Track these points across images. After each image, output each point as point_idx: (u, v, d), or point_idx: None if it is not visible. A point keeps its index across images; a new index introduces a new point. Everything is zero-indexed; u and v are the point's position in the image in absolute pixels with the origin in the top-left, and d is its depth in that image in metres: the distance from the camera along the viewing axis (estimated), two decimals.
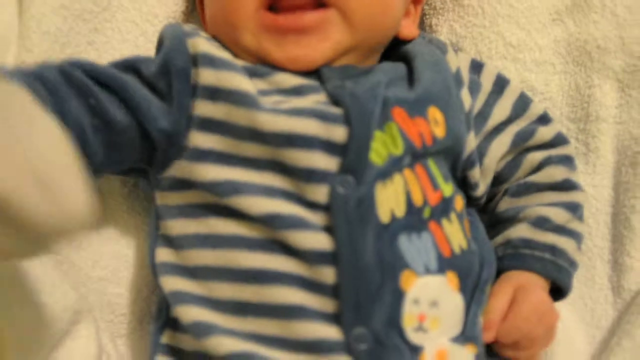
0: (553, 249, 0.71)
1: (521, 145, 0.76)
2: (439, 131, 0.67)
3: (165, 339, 0.66)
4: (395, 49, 0.75)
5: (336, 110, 0.63)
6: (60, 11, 0.73)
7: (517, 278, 0.70)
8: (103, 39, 0.76)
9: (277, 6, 0.66)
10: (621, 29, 0.77)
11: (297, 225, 0.60)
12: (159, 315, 0.67)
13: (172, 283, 0.63)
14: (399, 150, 0.64)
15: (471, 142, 0.71)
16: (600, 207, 0.80)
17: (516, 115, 0.76)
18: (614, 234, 0.79)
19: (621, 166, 0.79)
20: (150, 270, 0.66)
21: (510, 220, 0.74)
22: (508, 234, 0.73)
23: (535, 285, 0.70)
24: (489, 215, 0.77)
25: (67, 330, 0.65)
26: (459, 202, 0.69)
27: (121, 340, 0.73)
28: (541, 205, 0.73)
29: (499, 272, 0.72)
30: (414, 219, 0.64)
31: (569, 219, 0.73)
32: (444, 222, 0.66)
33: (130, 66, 0.65)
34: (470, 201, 0.74)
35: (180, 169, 0.64)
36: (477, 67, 0.77)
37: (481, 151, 0.74)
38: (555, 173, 0.75)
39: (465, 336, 0.64)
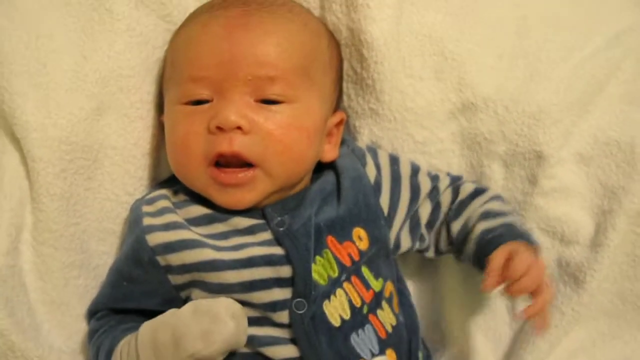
0: (505, 225, 0.93)
1: (435, 193, 0.99)
2: (363, 245, 0.90)
3: None
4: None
5: (280, 251, 0.86)
6: (62, 174, 0.91)
7: (502, 248, 0.88)
8: (96, 183, 0.95)
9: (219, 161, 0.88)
10: (501, 125, 0.99)
11: (271, 343, 0.84)
12: None
13: None
14: (335, 272, 0.87)
15: (393, 235, 0.94)
16: None
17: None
18: None
19: None
20: None
21: (468, 232, 0.95)
22: (473, 239, 0.94)
23: (518, 247, 0.88)
24: (451, 246, 0.98)
25: None
26: (388, 288, 0.92)
27: None
28: (477, 208, 0.96)
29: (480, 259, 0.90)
30: (358, 317, 0.87)
31: (502, 205, 0.98)
32: (378, 311, 0.90)
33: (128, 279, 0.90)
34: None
35: None
36: (394, 160, 0.99)
37: (416, 220, 0.98)
38: (467, 188, 1.00)
39: None
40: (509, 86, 0.99)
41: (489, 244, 0.91)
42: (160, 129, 0.98)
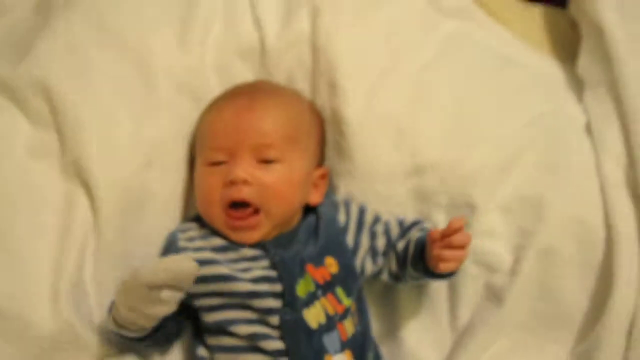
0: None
1: (388, 230, 1.30)
2: (334, 269, 1.22)
3: None
4: (311, 207, 1.30)
5: (274, 274, 1.18)
6: (118, 211, 1.24)
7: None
8: (143, 219, 1.28)
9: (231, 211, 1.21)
10: (444, 184, 1.32)
11: (265, 338, 1.15)
12: None
13: None
14: (312, 288, 1.19)
15: (358, 264, 1.26)
16: None
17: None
18: (450, 293, 1.35)
19: None
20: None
21: (408, 243, 1.24)
22: (412, 245, 1.23)
23: None
24: (397, 263, 1.26)
25: None
26: (354, 306, 1.24)
27: None
28: (417, 228, 1.28)
29: (417, 258, 1.21)
30: (330, 323, 1.19)
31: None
32: (345, 321, 1.21)
33: None
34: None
35: (203, 317, 1.20)
36: (362, 211, 1.32)
37: (374, 251, 1.29)
38: (408, 220, 1.31)
39: None
40: (449, 154, 1.31)
41: (423, 238, 1.21)
42: (190, 181, 1.32)
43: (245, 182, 1.19)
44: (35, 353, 1.15)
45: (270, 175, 1.21)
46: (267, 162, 1.22)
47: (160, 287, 1.06)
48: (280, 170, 1.22)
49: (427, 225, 1.31)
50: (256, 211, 1.21)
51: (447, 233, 1.15)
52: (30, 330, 1.15)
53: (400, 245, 1.28)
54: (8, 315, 1.15)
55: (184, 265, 1.06)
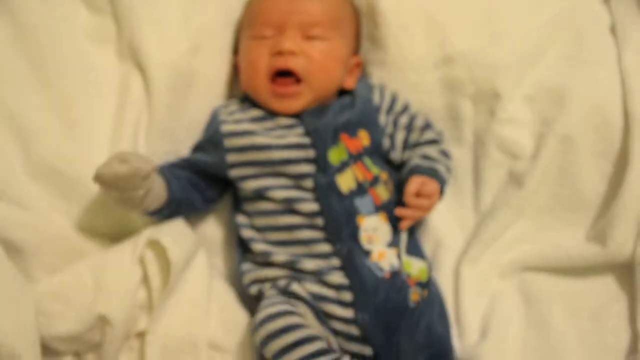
0: (431, 169, 1.29)
1: (410, 129, 1.39)
2: (365, 142, 1.32)
3: (245, 264, 1.33)
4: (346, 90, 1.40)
5: (308, 140, 1.29)
6: (169, 90, 1.35)
7: (417, 177, 1.27)
8: (190, 98, 1.38)
9: (277, 79, 1.31)
10: (471, 72, 1.40)
11: (300, 201, 1.27)
12: (240, 249, 1.34)
13: (246, 233, 1.31)
14: (345, 157, 1.30)
15: (386, 142, 1.36)
16: (466, 162, 1.45)
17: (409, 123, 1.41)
18: (475, 178, 1.45)
19: (477, 143, 1.44)
20: (234, 226, 1.35)
21: (410, 159, 1.33)
22: (409, 163, 1.32)
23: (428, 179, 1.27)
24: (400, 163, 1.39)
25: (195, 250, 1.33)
26: (384, 175, 1.33)
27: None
28: (424, 150, 1.36)
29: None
30: (361, 188, 1.29)
31: (440, 157, 1.34)
32: (377, 187, 1.31)
33: (200, 149, 1.35)
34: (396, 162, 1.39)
35: (241, 186, 1.32)
36: (395, 98, 1.41)
37: (394, 140, 1.38)
38: (429, 135, 1.39)
39: (392, 244, 1.29)
40: (477, 44, 1.39)
41: (411, 172, 1.30)
42: (233, 66, 1.43)
43: (292, 53, 1.30)
44: (91, 210, 1.29)
45: (315, 49, 1.32)
46: (312, 38, 1.32)
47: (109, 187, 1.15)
48: (324, 46, 1.32)
49: (433, 152, 1.35)
50: (298, 81, 1.31)
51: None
52: (88, 190, 1.28)
53: (406, 155, 1.38)
54: (69, 177, 1.29)
55: (110, 169, 1.13)
